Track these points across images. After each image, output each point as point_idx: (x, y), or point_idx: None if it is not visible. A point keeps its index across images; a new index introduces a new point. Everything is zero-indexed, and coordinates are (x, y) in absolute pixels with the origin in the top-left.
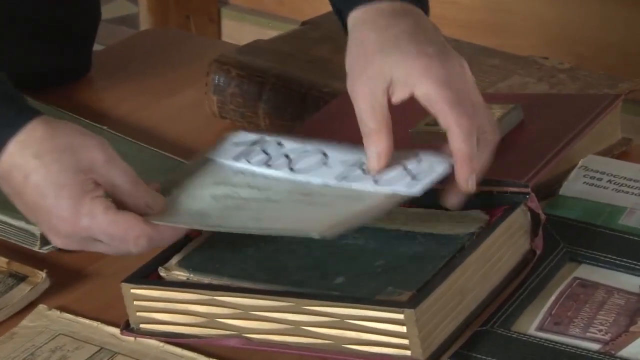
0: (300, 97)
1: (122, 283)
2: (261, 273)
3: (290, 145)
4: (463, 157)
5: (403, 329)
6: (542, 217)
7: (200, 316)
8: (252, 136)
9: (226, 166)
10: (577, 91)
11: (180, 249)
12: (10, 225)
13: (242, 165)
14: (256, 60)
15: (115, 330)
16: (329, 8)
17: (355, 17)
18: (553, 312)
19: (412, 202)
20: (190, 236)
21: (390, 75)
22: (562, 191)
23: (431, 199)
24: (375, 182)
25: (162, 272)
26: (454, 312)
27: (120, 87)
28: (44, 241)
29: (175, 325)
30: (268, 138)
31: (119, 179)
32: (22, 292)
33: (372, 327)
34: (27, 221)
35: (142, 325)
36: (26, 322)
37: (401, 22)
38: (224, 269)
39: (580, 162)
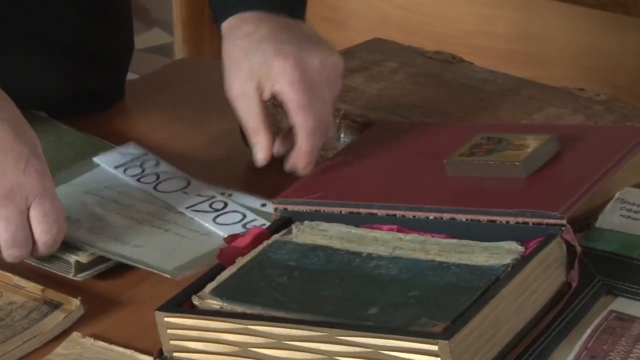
0: (335, 126)
1: (156, 311)
2: (294, 302)
3: (164, 167)
4: (304, 153)
5: None
6: (578, 249)
7: (234, 345)
8: (138, 151)
9: (103, 174)
10: (613, 123)
11: (213, 277)
12: None
13: (118, 174)
14: None
15: (149, 359)
16: (363, 38)
17: (225, 28)
18: (589, 346)
19: (446, 233)
20: (224, 265)
21: (257, 76)
22: (598, 223)
23: (466, 231)
24: (214, 220)
25: (196, 301)
26: (488, 345)
27: (153, 115)
28: (79, 269)
29: (208, 354)
30: (151, 156)
31: None
32: (56, 320)
33: (405, 358)
34: (62, 249)
35: (175, 354)
36: (60, 349)
37: (263, 27)
38: (257, 298)
39: (616, 195)
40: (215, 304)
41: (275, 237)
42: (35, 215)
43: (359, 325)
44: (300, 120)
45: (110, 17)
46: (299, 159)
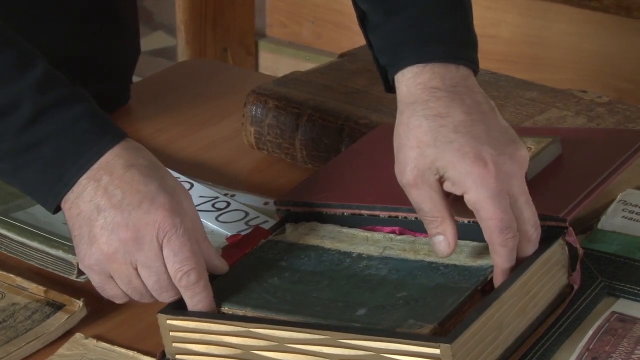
0: (337, 128)
1: (159, 314)
2: (284, 304)
3: None
4: (502, 272)
5: None
6: (580, 251)
7: (236, 348)
8: None
9: None
10: (615, 125)
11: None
12: (48, 254)
13: None
14: (293, 91)
15: None
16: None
17: (404, 91)
18: (591, 347)
19: None
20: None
21: (444, 172)
22: (600, 225)
23: (469, 233)
24: (216, 218)
25: None
26: (490, 347)
27: (158, 117)
28: (81, 270)
29: (210, 357)
30: None
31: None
32: (59, 321)
33: None
34: (65, 250)
35: (177, 356)
36: (63, 350)
37: (456, 110)
38: (248, 299)
39: (618, 197)
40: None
41: (269, 236)
42: (166, 254)
43: (362, 329)
44: (500, 240)
45: (117, 22)
46: (497, 277)
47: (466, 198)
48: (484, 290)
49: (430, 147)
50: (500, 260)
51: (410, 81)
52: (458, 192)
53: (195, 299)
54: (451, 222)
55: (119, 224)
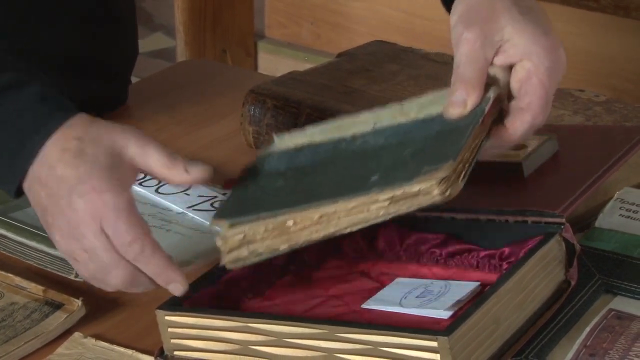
0: None
1: (157, 310)
2: (295, 198)
3: None
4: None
5: (437, 356)
6: (577, 247)
7: (234, 343)
8: None
9: None
10: (612, 123)
11: (214, 275)
12: (47, 253)
13: None
14: (292, 91)
15: (150, 358)
16: (364, 40)
17: None
18: (588, 344)
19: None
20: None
21: (509, 37)
22: (597, 223)
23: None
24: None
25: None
26: (487, 341)
27: (157, 117)
28: None
29: (209, 353)
30: None
31: (152, 160)
32: (57, 320)
33: (406, 355)
34: None
35: (176, 353)
36: (62, 349)
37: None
38: (259, 208)
39: (616, 195)
40: (220, 225)
41: (258, 152)
42: (109, 234)
43: (359, 324)
44: (541, 109)
45: (116, 22)
46: (506, 139)
47: (524, 65)
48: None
49: (505, 12)
50: (519, 127)
51: None
52: (517, 59)
53: (150, 268)
54: (480, 94)
55: (59, 225)
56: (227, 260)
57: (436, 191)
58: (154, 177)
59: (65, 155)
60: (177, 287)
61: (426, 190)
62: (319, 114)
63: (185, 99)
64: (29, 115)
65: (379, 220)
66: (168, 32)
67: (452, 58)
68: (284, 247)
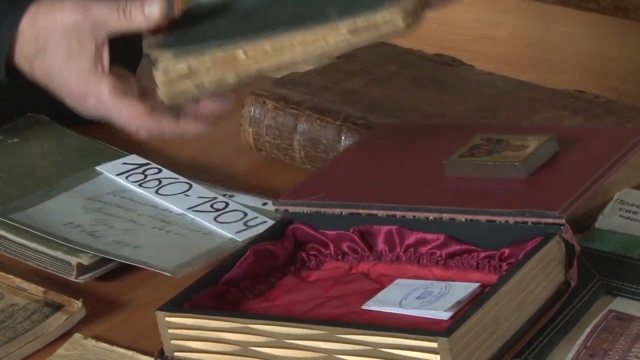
0: (335, 129)
1: (157, 311)
2: (248, 27)
3: (167, 173)
4: None
5: (437, 357)
6: (577, 248)
7: (234, 344)
8: (140, 160)
9: (106, 182)
10: (612, 125)
11: (214, 277)
12: (47, 254)
13: (120, 180)
14: (291, 92)
15: (150, 359)
16: None
17: None
18: (588, 345)
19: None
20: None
21: None
22: (597, 224)
23: (466, 230)
24: (215, 219)
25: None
26: (487, 342)
27: None
28: (80, 271)
29: (209, 354)
30: (153, 165)
31: (106, 22)
32: (58, 321)
33: (405, 356)
34: (64, 251)
35: (176, 354)
36: (62, 350)
37: None
38: (207, 37)
39: (616, 196)
40: (162, 55)
41: None
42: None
43: (360, 325)
44: None
45: None
46: None
47: None
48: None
49: None
50: None
51: None
52: None
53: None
54: None
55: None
56: (165, 93)
57: (400, 22)
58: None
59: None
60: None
61: (390, 20)
62: (319, 115)
63: None
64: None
65: (337, 51)
66: None
67: (451, 59)
68: (232, 78)
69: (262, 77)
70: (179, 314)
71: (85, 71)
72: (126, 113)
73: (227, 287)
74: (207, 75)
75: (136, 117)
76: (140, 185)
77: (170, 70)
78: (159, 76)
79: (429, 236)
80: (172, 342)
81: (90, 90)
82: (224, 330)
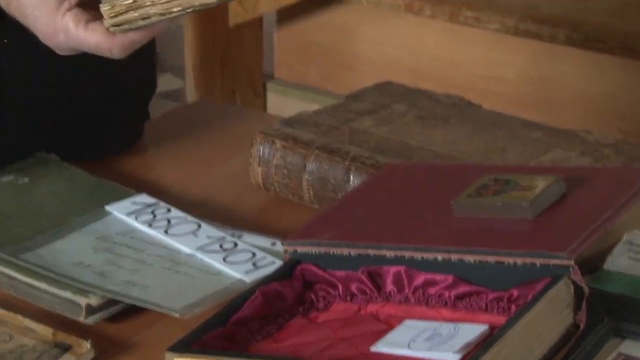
0: (344, 169)
1: (167, 352)
2: None
3: (176, 213)
4: None
5: None
6: (586, 290)
7: None
8: (150, 200)
9: (115, 222)
10: (621, 165)
11: (223, 318)
12: (56, 295)
13: (130, 220)
14: (300, 131)
15: None
16: (372, 81)
17: None
18: None
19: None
20: None
21: None
22: (606, 266)
23: (474, 271)
24: (224, 259)
25: None
26: None
27: (166, 157)
28: (89, 311)
29: None
30: (162, 204)
31: None
32: None
33: None
34: (73, 292)
35: None
36: None
37: None
38: None
39: (624, 237)
40: None
41: None
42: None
43: None
44: None
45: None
46: None
47: None
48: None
49: None
50: None
51: None
52: None
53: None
54: None
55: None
56: (111, 24)
57: None
58: None
59: None
60: None
61: None
62: (328, 155)
63: (194, 140)
64: None
65: None
66: (177, 73)
67: (459, 99)
68: (177, 9)
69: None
70: (188, 355)
71: (52, 9)
72: (93, 39)
73: (236, 327)
74: (153, 7)
75: (103, 40)
76: (149, 225)
77: (116, 3)
78: (104, 8)
79: (438, 277)
80: None
81: (57, 25)
82: None
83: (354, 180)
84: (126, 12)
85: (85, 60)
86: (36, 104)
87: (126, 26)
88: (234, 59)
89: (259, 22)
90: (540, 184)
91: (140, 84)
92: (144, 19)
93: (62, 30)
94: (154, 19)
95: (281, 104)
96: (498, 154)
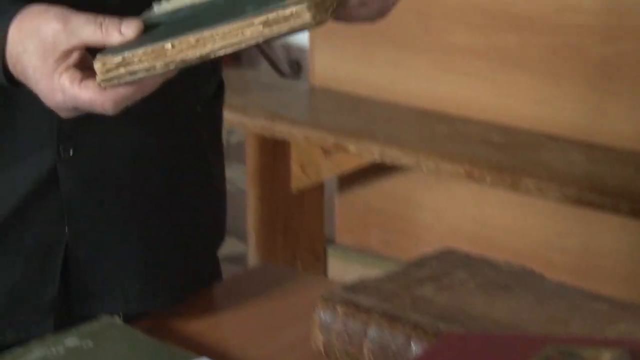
0: (405, 336)
1: None
2: (179, 29)
3: None
4: None
5: None
6: None
7: None
8: None
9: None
10: None
11: None
12: None
13: None
14: (361, 298)
15: None
16: (432, 248)
17: None
18: None
19: None
20: None
21: None
22: None
23: None
24: None
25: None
26: None
27: (229, 320)
28: None
29: None
30: None
31: (82, 33)
32: None
33: None
34: None
35: None
36: None
37: None
38: (143, 41)
39: None
40: (102, 56)
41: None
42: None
43: None
44: None
45: (206, 194)
46: None
47: None
48: None
49: None
50: None
51: None
52: None
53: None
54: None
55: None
56: (102, 80)
57: (307, 15)
58: (96, 46)
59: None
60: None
61: (298, 13)
62: (389, 322)
63: (256, 304)
64: None
65: (253, 42)
66: (240, 237)
67: (521, 268)
68: (159, 65)
69: (332, 284)
70: None
71: (50, 70)
72: (86, 95)
73: None
74: (139, 64)
75: (96, 95)
76: None
77: (107, 61)
78: (97, 65)
79: None
80: None
81: (55, 85)
82: None
83: (415, 348)
84: (116, 68)
85: (156, 198)
86: (106, 250)
87: (115, 81)
88: (296, 223)
89: (320, 187)
90: (605, 356)
91: (210, 228)
92: (131, 74)
93: (60, 89)
94: (140, 75)
95: (342, 269)
96: (561, 325)
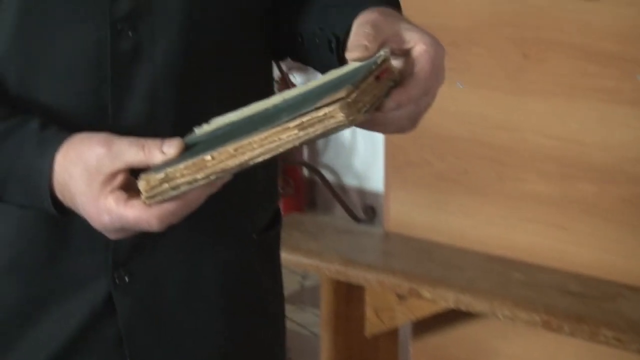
0: None
1: None
2: (218, 142)
3: None
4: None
5: None
6: None
7: None
8: None
9: None
10: None
11: None
12: None
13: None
14: None
15: None
16: None
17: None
18: None
19: None
20: None
21: (405, 29)
22: None
23: None
24: None
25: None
26: None
27: None
28: None
29: None
30: None
31: (125, 155)
32: None
33: None
34: None
35: None
36: None
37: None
38: (183, 158)
39: None
40: (145, 175)
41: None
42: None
43: None
44: (428, 68)
45: (260, 324)
46: (404, 98)
47: (417, 46)
48: (378, 78)
49: (388, 18)
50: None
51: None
52: (412, 44)
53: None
54: (375, 46)
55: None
56: (146, 197)
57: (340, 115)
58: (140, 167)
59: (64, 176)
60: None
61: (331, 114)
62: None
63: None
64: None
65: (290, 146)
66: None
67: None
68: (201, 177)
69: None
70: None
71: (96, 193)
72: (132, 214)
73: None
74: (182, 178)
75: (141, 213)
76: None
77: (150, 179)
78: (141, 183)
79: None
80: None
81: (101, 207)
82: None
83: None
84: (159, 184)
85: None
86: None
87: (159, 197)
88: None
89: (395, 333)
90: None
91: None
92: (174, 188)
93: (106, 211)
94: (183, 189)
95: None
96: None
